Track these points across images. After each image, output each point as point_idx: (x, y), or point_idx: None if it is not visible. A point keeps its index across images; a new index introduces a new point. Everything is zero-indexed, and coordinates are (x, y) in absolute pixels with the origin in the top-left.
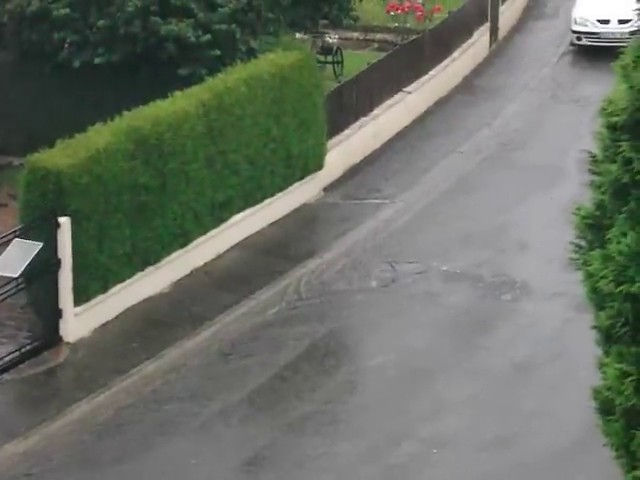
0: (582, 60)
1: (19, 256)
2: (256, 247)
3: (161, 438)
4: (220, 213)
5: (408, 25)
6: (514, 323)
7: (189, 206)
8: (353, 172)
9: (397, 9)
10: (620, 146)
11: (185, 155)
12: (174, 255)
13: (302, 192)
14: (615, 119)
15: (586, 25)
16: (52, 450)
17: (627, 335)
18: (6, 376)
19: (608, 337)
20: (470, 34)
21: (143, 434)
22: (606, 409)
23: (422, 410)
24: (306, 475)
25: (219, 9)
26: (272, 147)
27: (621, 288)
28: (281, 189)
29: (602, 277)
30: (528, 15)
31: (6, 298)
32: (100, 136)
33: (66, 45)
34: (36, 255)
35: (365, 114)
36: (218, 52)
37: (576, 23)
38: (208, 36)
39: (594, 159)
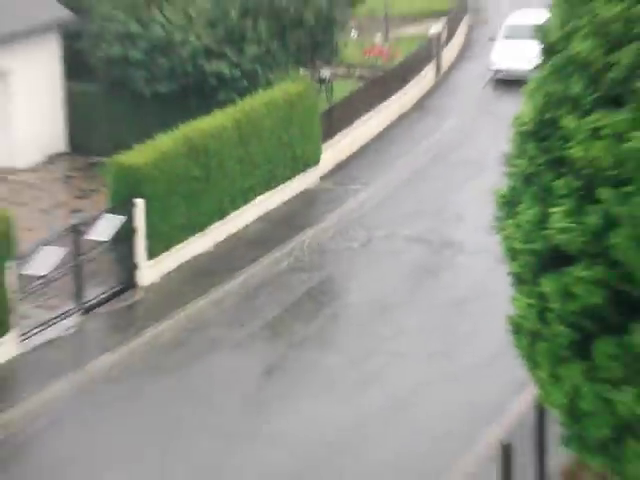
0: (500, 87)
1: (109, 226)
2: (272, 220)
3: (207, 353)
4: (247, 196)
5: (378, 63)
6: (453, 272)
7: (225, 191)
8: (341, 166)
9: (370, 53)
10: (526, 147)
11: (223, 155)
12: (215, 225)
13: (304, 180)
14: (524, 127)
15: (500, 64)
16: (132, 361)
17: (531, 279)
18: (100, 309)
19: (519, 280)
20: (421, 70)
21: (195, 350)
22: (517, 330)
23: (388, 333)
24: (308, 378)
25: (246, 53)
26: (283, 149)
27: (527, 246)
28: (289, 178)
29: (514, 239)
30: (462, 56)
31: (100, 255)
32: (164, 142)
33: (140, 79)
34: (120, 225)
35: (348, 126)
36: (246, 83)
37: (493, 63)
38: (239, 72)
39: (508, 156)
